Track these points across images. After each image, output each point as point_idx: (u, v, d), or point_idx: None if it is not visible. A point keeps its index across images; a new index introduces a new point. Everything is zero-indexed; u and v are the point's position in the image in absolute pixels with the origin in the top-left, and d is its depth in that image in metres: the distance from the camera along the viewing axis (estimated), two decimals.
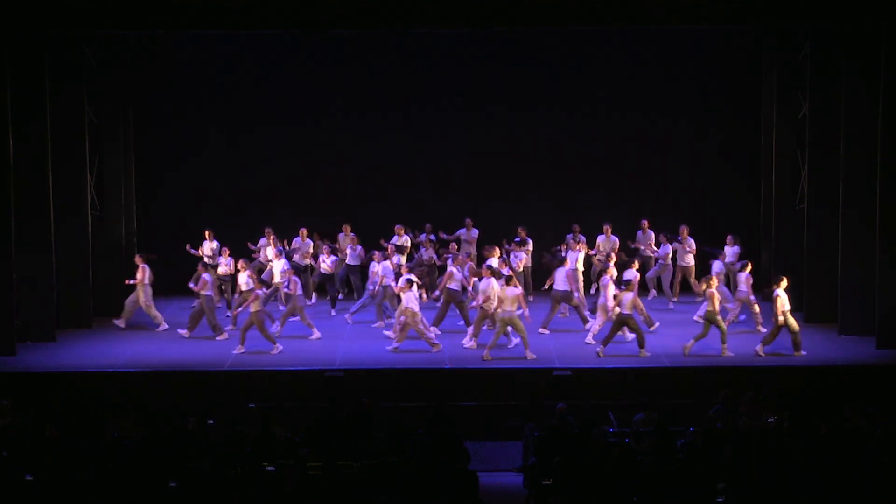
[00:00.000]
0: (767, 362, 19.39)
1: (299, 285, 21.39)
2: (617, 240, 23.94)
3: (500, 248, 22.60)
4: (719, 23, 20.89)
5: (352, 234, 23.93)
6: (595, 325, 20.82)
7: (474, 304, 20.64)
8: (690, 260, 23.74)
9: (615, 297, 20.04)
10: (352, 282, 23.78)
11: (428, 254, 23.80)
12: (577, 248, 22.99)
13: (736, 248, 23.29)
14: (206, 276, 21.30)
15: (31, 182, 20.72)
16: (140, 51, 24.74)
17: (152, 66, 25.20)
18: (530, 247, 23.89)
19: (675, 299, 23.84)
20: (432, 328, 20.86)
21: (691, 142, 25.66)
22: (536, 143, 25.67)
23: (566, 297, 21.34)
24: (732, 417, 15.57)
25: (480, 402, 18.62)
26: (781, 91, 23.36)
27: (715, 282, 20.19)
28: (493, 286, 20.11)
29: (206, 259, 23.26)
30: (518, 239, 23.71)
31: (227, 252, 23.31)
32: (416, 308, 20.11)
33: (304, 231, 24.02)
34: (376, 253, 22.47)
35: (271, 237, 23.66)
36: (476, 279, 21.52)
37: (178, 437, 14.75)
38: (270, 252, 23.39)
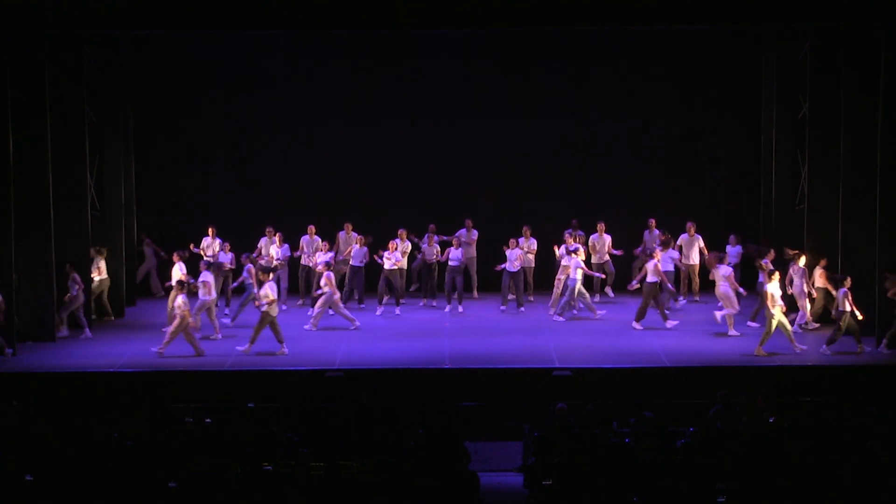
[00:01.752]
0: (767, 362, 19.37)
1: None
2: (609, 238, 23.93)
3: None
4: (719, 23, 20.90)
5: (353, 232, 23.84)
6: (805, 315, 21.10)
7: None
8: (696, 258, 23.72)
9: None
10: (355, 283, 23.65)
11: (431, 252, 23.80)
12: (574, 242, 22.91)
13: (738, 248, 23.31)
14: (206, 273, 21.24)
15: (31, 182, 20.71)
16: (140, 51, 24.74)
17: (152, 66, 25.21)
18: (534, 246, 23.88)
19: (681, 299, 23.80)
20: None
21: (691, 142, 25.65)
22: (536, 144, 25.66)
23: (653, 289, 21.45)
24: (732, 417, 15.56)
25: (480, 402, 18.61)
26: (781, 91, 23.35)
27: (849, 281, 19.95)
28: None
29: (207, 257, 23.26)
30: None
31: (229, 247, 23.33)
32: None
33: (312, 228, 23.97)
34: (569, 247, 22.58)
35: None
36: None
37: (178, 437, 14.76)
38: (273, 250, 23.45)
